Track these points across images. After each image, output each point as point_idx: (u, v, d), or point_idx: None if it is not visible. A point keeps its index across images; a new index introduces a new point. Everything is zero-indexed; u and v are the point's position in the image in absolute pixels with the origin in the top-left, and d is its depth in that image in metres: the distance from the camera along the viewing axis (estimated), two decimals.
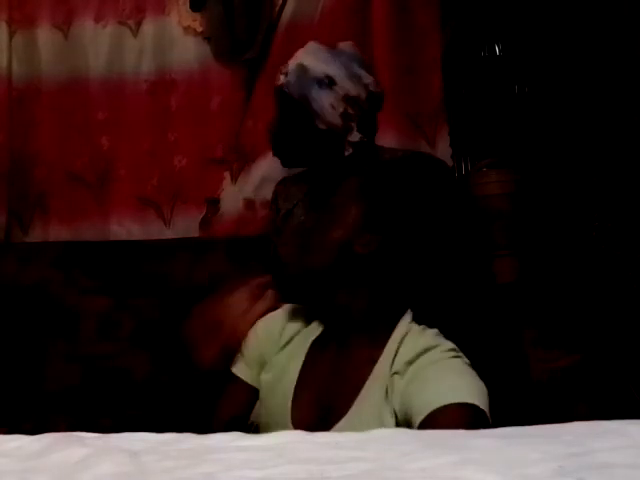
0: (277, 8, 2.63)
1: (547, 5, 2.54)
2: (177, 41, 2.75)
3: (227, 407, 1.57)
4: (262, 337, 1.59)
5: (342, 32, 2.45)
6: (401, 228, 1.50)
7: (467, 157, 2.81)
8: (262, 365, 1.57)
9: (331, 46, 2.01)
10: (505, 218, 2.39)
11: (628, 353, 1.88)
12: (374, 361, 1.44)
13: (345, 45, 2.03)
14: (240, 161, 2.65)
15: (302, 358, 1.52)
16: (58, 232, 2.72)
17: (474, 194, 2.42)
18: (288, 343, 1.56)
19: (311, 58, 1.97)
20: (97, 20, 2.77)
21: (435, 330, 1.47)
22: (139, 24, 2.76)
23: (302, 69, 1.95)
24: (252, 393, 1.58)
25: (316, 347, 1.53)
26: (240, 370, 1.59)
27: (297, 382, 1.50)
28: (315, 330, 1.56)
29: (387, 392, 1.40)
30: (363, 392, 1.43)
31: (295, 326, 1.58)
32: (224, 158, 2.68)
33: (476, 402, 1.31)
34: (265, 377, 1.56)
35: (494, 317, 1.93)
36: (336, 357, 1.49)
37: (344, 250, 1.48)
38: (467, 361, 1.41)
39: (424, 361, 1.39)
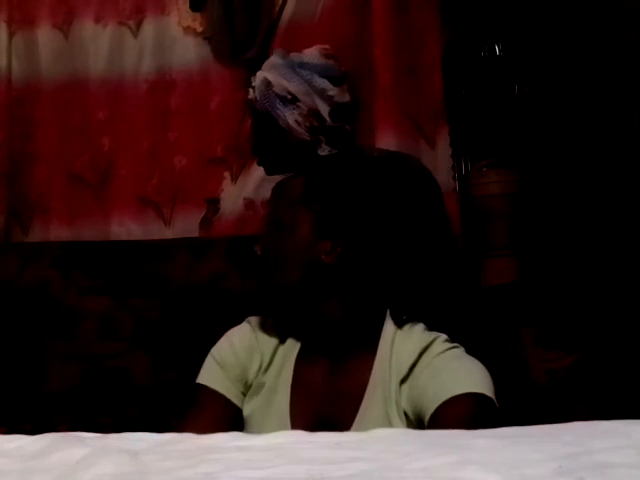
0: (277, 8, 2.63)
1: (547, 5, 2.54)
2: (177, 41, 2.74)
3: (212, 426, 1.39)
4: (240, 352, 1.49)
5: (342, 32, 2.45)
6: (365, 228, 1.45)
7: (467, 157, 2.81)
8: (244, 384, 1.48)
9: (296, 55, 1.98)
10: (505, 218, 2.39)
11: (628, 353, 1.88)
12: (369, 369, 1.42)
13: (310, 53, 2.00)
14: (240, 161, 2.64)
15: (289, 377, 1.46)
16: (58, 232, 2.72)
17: (474, 194, 2.42)
18: (270, 363, 1.48)
19: (273, 73, 1.96)
20: (97, 20, 2.77)
21: (421, 325, 1.46)
22: (139, 24, 2.75)
23: (266, 85, 1.95)
24: (236, 413, 1.47)
25: (302, 364, 1.47)
26: (221, 385, 1.48)
27: (291, 403, 1.44)
28: (293, 346, 1.49)
29: (394, 398, 1.39)
30: (365, 402, 1.41)
31: (271, 342, 1.49)
32: (224, 158, 2.68)
33: (481, 390, 1.32)
34: (253, 402, 1.47)
35: (487, 317, 1.93)
36: (329, 371, 1.45)
37: (309, 262, 1.43)
38: (462, 348, 1.42)
39: (427, 358, 1.39)
